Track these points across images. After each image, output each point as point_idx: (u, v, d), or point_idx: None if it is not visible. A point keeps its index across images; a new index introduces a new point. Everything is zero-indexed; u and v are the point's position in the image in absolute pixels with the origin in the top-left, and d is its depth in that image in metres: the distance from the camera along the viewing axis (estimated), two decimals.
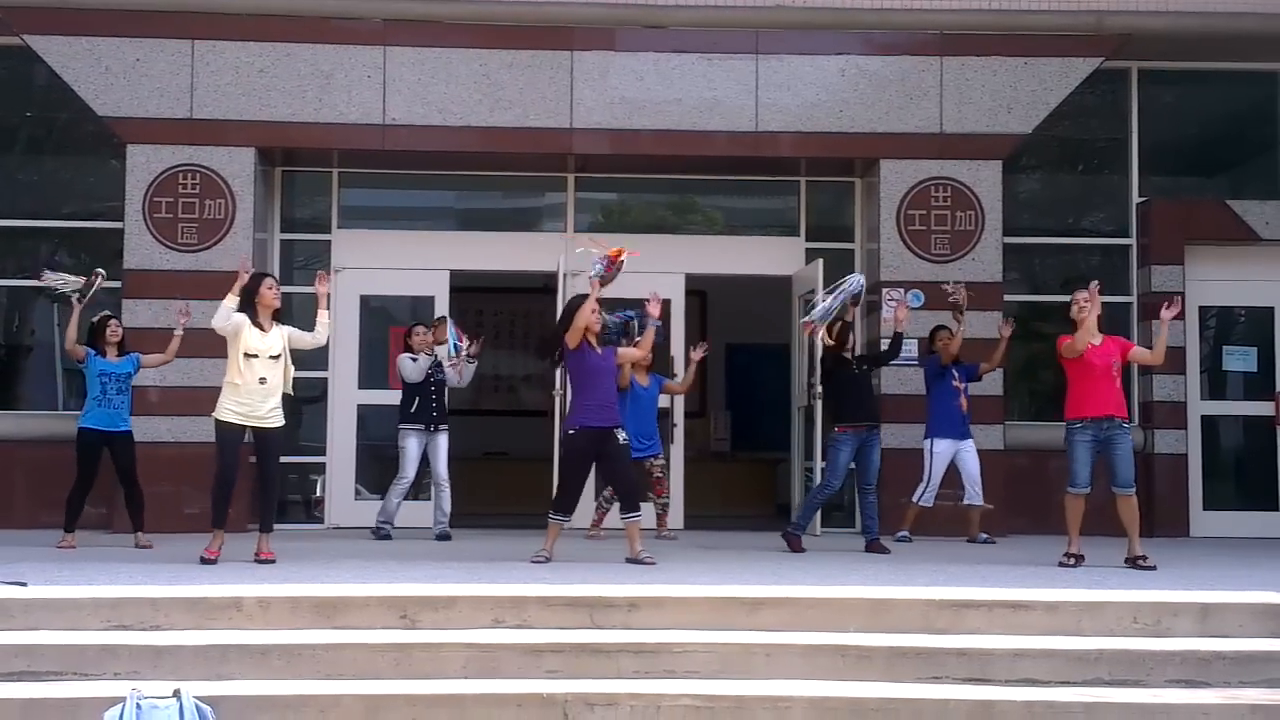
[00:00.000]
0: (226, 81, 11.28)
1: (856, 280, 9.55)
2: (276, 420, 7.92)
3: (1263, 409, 12.09)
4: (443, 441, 10.11)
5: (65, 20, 11.19)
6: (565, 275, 11.63)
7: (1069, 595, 6.08)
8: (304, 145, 11.51)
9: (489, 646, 5.52)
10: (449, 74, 11.35)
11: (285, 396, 8.18)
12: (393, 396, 10.93)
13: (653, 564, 7.72)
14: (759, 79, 11.45)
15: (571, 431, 8.09)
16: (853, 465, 9.44)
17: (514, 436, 14.53)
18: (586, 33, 11.42)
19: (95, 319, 9.75)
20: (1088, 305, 8.01)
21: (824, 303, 9.31)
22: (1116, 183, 12.31)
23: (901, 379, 11.15)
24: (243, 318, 7.91)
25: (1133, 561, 7.84)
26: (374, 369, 11.69)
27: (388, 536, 10.00)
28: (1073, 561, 7.77)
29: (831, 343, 9.50)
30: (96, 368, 9.24)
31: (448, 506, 10.13)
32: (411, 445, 10.11)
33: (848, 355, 9.51)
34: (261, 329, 7.92)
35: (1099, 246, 12.42)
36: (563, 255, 11.12)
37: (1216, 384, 12.36)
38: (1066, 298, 12.20)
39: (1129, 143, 12.23)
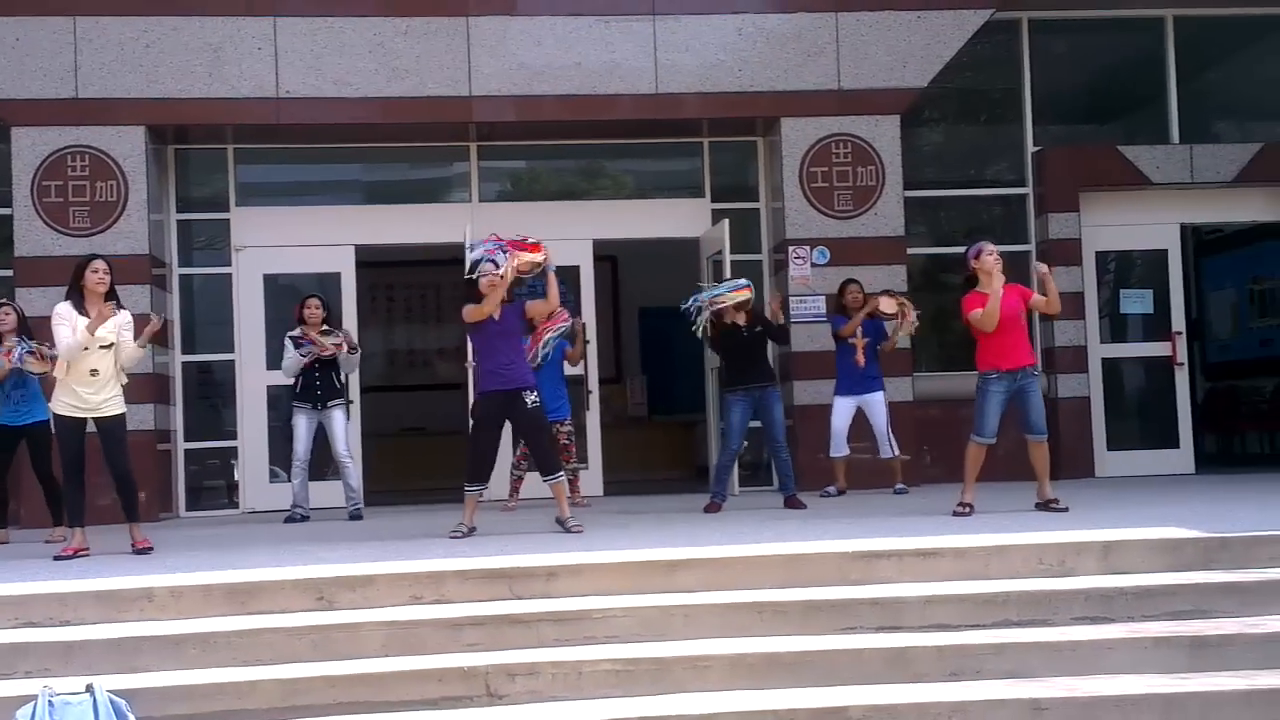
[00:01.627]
0: (112, 59, 11.00)
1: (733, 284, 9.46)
2: (114, 408, 7.63)
3: (1160, 350, 12.41)
4: (338, 417, 9.93)
5: None
6: (471, 246, 11.57)
7: (976, 540, 6.21)
8: (196, 122, 11.26)
9: (408, 623, 5.50)
10: (342, 43, 11.17)
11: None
12: None
13: (580, 531, 7.71)
14: (657, 40, 11.42)
15: (477, 399, 8.03)
16: (758, 424, 9.50)
17: (430, 411, 14.46)
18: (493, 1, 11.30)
19: None
20: (996, 264, 8.07)
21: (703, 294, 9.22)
22: (1012, 133, 12.50)
23: (811, 335, 11.26)
24: (69, 313, 7.53)
25: (1045, 505, 8.00)
26: (281, 349, 11.49)
27: (302, 519, 9.88)
28: (966, 510, 7.89)
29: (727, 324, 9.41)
30: None
31: (356, 483, 10.03)
32: (301, 424, 9.96)
33: (735, 323, 9.39)
34: (87, 316, 7.50)
35: (998, 197, 12.61)
36: (468, 225, 11.04)
37: (1116, 327, 12.63)
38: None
39: (1022, 93, 12.42)
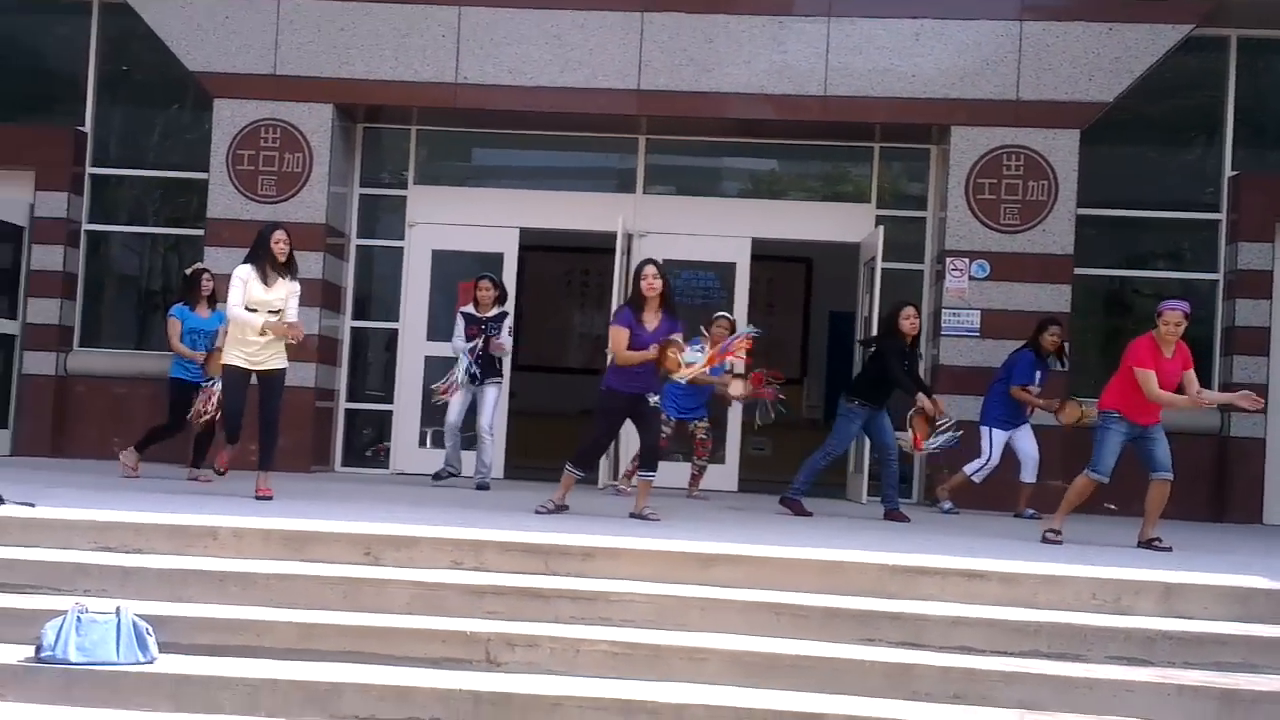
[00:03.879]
0: (308, 39, 11.67)
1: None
2: (278, 363, 8.19)
3: None
4: (490, 395, 10.23)
5: None
6: (630, 236, 11.78)
7: (1028, 567, 5.96)
8: (379, 102, 11.86)
9: (435, 585, 5.70)
10: (520, 34, 11.52)
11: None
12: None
13: (657, 520, 7.80)
14: (830, 42, 11.33)
15: (604, 390, 8.21)
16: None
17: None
18: None
19: (189, 271, 10.25)
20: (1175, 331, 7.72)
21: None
22: (1210, 155, 11.83)
23: (959, 350, 10.98)
24: (249, 275, 8.14)
25: (1147, 544, 7.63)
26: (442, 322, 11.93)
27: (450, 475, 10.25)
28: (1057, 538, 7.59)
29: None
30: (189, 324, 9.69)
31: (489, 458, 10.33)
32: (456, 396, 10.33)
33: (911, 342, 9.38)
34: (265, 283, 8.11)
35: (1187, 221, 11.94)
36: (627, 215, 11.24)
37: None
38: (1149, 273, 12.01)
39: (1225, 114, 11.73)
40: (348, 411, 12.25)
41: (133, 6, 11.82)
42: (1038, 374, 10.13)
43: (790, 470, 12.29)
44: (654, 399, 8.09)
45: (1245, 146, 11.74)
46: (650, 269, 8.12)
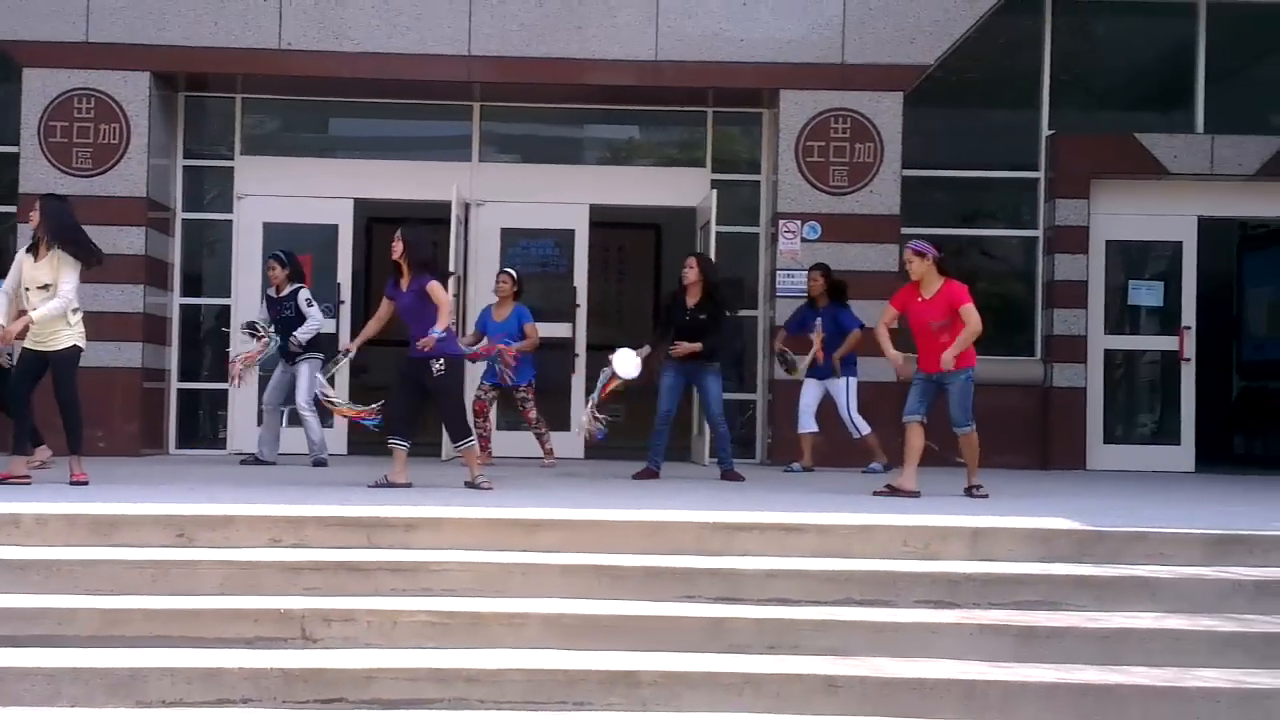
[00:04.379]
0: (122, 4, 11.25)
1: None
2: (63, 342, 7.88)
3: (1168, 344, 12.04)
4: (304, 370, 10.07)
5: None
6: (467, 205, 11.67)
7: (841, 519, 6.11)
8: (199, 70, 11.50)
9: (249, 564, 5.60)
10: None
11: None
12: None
13: (489, 489, 7.79)
14: (660, 5, 11.32)
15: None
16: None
17: None
18: None
19: None
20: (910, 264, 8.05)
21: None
22: (1028, 116, 12.14)
23: (793, 310, 11.14)
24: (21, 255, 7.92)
25: (969, 490, 7.92)
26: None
27: (256, 461, 10.10)
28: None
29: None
30: None
31: (317, 435, 10.17)
32: (275, 373, 10.20)
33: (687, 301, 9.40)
34: (35, 258, 7.81)
35: (1008, 180, 12.32)
36: (463, 184, 11.16)
37: (1125, 319, 12.27)
38: (972, 231, 12.36)
39: (1041, 75, 12.07)
40: (180, 392, 11.91)
41: None
42: (811, 321, 10.35)
43: (642, 435, 12.46)
44: (438, 365, 7.99)
45: (1062, 106, 12.10)
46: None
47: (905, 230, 11.54)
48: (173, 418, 11.85)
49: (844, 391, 10.26)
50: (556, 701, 4.81)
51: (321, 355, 10.22)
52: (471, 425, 8.83)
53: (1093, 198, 11.79)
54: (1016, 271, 12.38)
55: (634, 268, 15.21)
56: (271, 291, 10.20)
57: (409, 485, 7.90)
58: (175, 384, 11.88)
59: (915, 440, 7.94)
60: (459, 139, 12.22)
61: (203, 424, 12.32)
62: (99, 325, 10.95)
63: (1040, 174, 12.02)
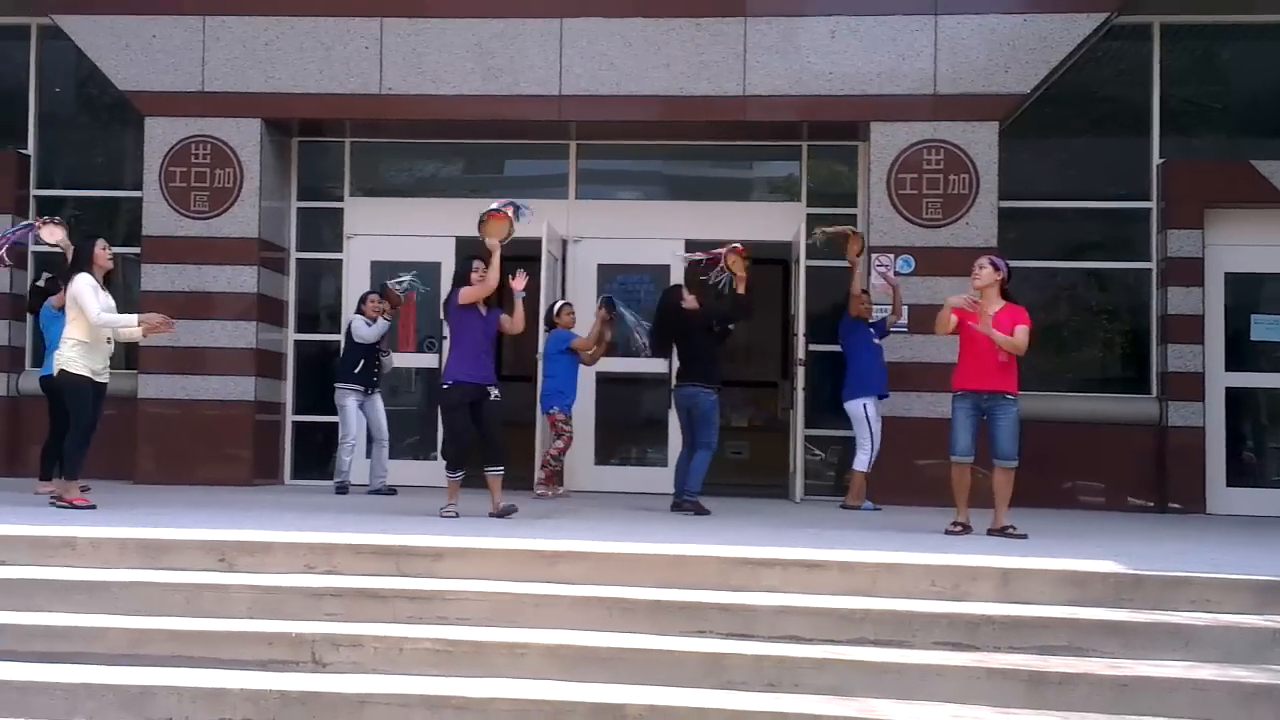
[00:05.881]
0: (235, 55, 11.80)
1: None
2: (106, 376, 8.38)
3: None
4: (379, 402, 10.53)
5: None
6: (564, 241, 11.86)
7: (866, 556, 5.99)
8: (306, 116, 11.96)
9: (275, 589, 5.78)
10: (441, 44, 11.62)
11: None
12: (404, 358, 11.63)
13: (515, 510, 8.06)
14: (747, 42, 11.36)
15: (445, 385, 8.34)
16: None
17: None
18: (574, 0, 11.51)
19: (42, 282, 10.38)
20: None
21: None
22: (1137, 144, 11.77)
23: (888, 346, 10.92)
24: (98, 287, 8.32)
25: (1000, 531, 7.67)
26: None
27: (344, 490, 10.42)
28: (959, 529, 7.63)
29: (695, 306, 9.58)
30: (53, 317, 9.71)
31: (387, 463, 10.51)
32: (351, 404, 10.55)
33: (698, 317, 9.52)
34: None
35: (1116, 211, 11.92)
36: (560, 220, 11.45)
37: (1247, 355, 11.73)
38: (1080, 264, 12.01)
39: (1150, 101, 11.72)
40: (296, 424, 12.32)
41: (63, 29, 11.98)
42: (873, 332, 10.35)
43: (770, 472, 12.42)
44: (495, 392, 8.24)
45: (1173, 133, 11.73)
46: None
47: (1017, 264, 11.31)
48: (288, 449, 12.26)
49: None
50: None
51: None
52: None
53: (1207, 228, 11.36)
54: (1129, 306, 11.96)
55: (762, 302, 15.16)
56: (366, 322, 10.54)
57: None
58: (290, 416, 12.29)
59: (968, 479, 7.78)
60: (556, 177, 12.43)
61: (318, 455, 12.69)
62: (212, 360, 11.58)
63: (1152, 204, 11.62)
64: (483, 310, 8.34)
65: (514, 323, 8.50)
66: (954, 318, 8.01)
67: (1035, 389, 11.67)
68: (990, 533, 7.63)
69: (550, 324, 10.80)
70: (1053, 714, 4.85)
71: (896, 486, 10.54)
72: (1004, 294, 8.00)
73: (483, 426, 8.22)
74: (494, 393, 8.17)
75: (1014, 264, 11.31)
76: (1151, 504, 11.22)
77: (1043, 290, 12.07)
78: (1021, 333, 7.76)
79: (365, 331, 10.60)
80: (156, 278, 11.77)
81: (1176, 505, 11.12)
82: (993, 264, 7.99)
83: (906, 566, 5.88)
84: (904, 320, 10.98)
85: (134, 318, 8.29)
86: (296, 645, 5.33)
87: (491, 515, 8.04)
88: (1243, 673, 5.07)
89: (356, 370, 10.63)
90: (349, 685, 5.05)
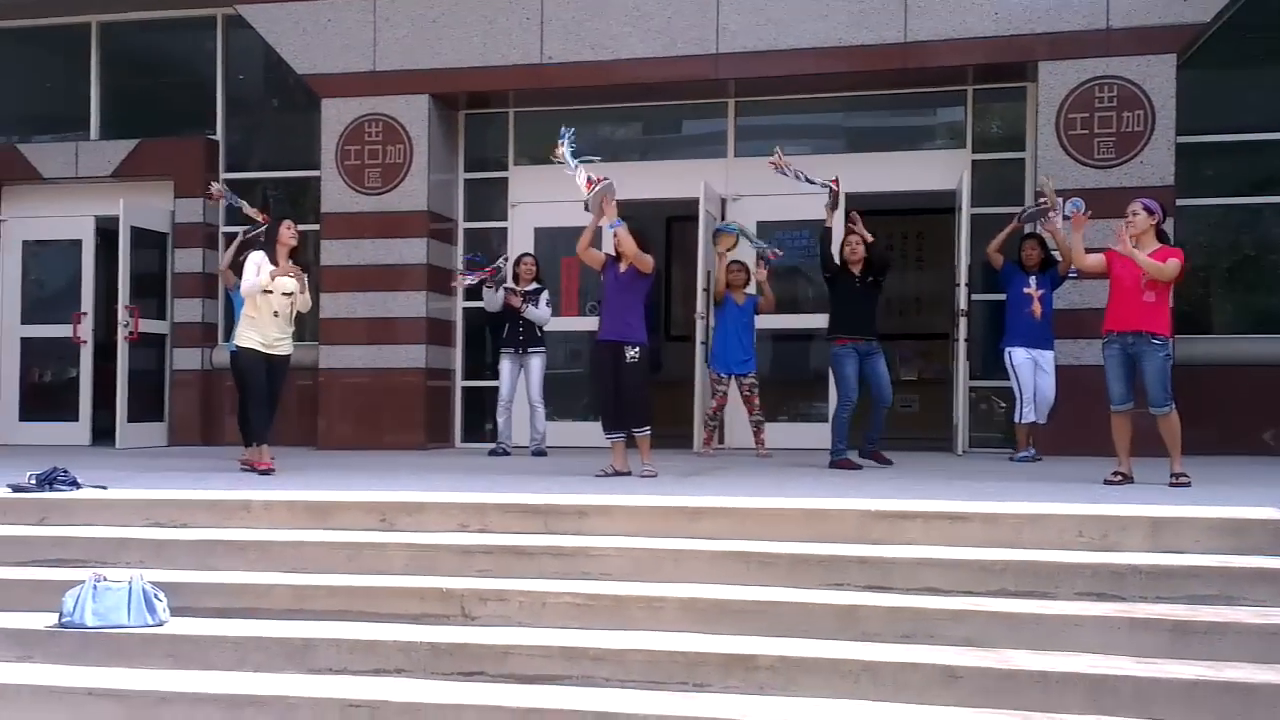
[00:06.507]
0: (404, 34, 12.19)
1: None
2: (284, 349, 8.69)
3: None
4: (535, 364, 10.78)
5: None
6: (723, 200, 11.89)
7: (1011, 508, 5.88)
8: (470, 89, 12.28)
9: (429, 547, 6.05)
10: (599, 9, 11.75)
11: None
12: (570, 322, 11.90)
13: (653, 476, 8.08)
14: None
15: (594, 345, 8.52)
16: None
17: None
18: None
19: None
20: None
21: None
22: None
23: (1059, 293, 10.61)
24: (263, 262, 8.67)
25: (1175, 479, 7.42)
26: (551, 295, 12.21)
27: (504, 453, 10.73)
28: (1119, 479, 7.42)
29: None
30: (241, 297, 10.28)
31: (541, 426, 10.80)
32: (505, 367, 10.87)
33: (853, 269, 9.38)
34: (276, 267, 8.65)
35: None
36: (719, 179, 11.63)
37: None
38: (1262, 199, 11.41)
39: None
40: (465, 390, 12.73)
41: (245, 19, 12.57)
42: (1031, 283, 9.93)
43: (934, 427, 12.29)
44: (632, 351, 8.24)
45: None
46: None
47: (1182, 202, 10.87)
48: (458, 414, 12.69)
49: (1052, 368, 9.81)
50: (677, 682, 4.95)
51: (546, 350, 11.03)
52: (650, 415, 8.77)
53: None
54: None
55: (934, 256, 14.89)
56: (513, 285, 10.84)
57: (628, 474, 8.22)
58: (460, 383, 12.71)
59: (1127, 428, 7.56)
60: (714, 135, 12.46)
61: (486, 419, 13.09)
62: (387, 330, 12.07)
63: None
64: (621, 268, 8.40)
65: (636, 258, 8.36)
66: (1101, 256, 7.78)
67: (1217, 332, 11.27)
68: (1172, 481, 7.40)
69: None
70: (1197, 663, 4.71)
71: (1074, 437, 10.26)
72: (1160, 235, 7.71)
73: (619, 386, 8.28)
74: (630, 353, 8.22)
75: (1193, 202, 11.01)
76: None
77: (1222, 228, 11.54)
78: (1172, 263, 7.48)
79: (487, 300, 10.98)
80: (335, 252, 12.30)
81: None
82: (1145, 207, 7.70)
83: (1053, 517, 5.76)
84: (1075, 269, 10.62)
85: (266, 275, 8.58)
86: (447, 600, 5.57)
87: (636, 475, 8.17)
88: None
89: (504, 334, 10.94)
90: (493, 637, 5.26)
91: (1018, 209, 11.42)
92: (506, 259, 11.37)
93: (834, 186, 9.64)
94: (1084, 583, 5.29)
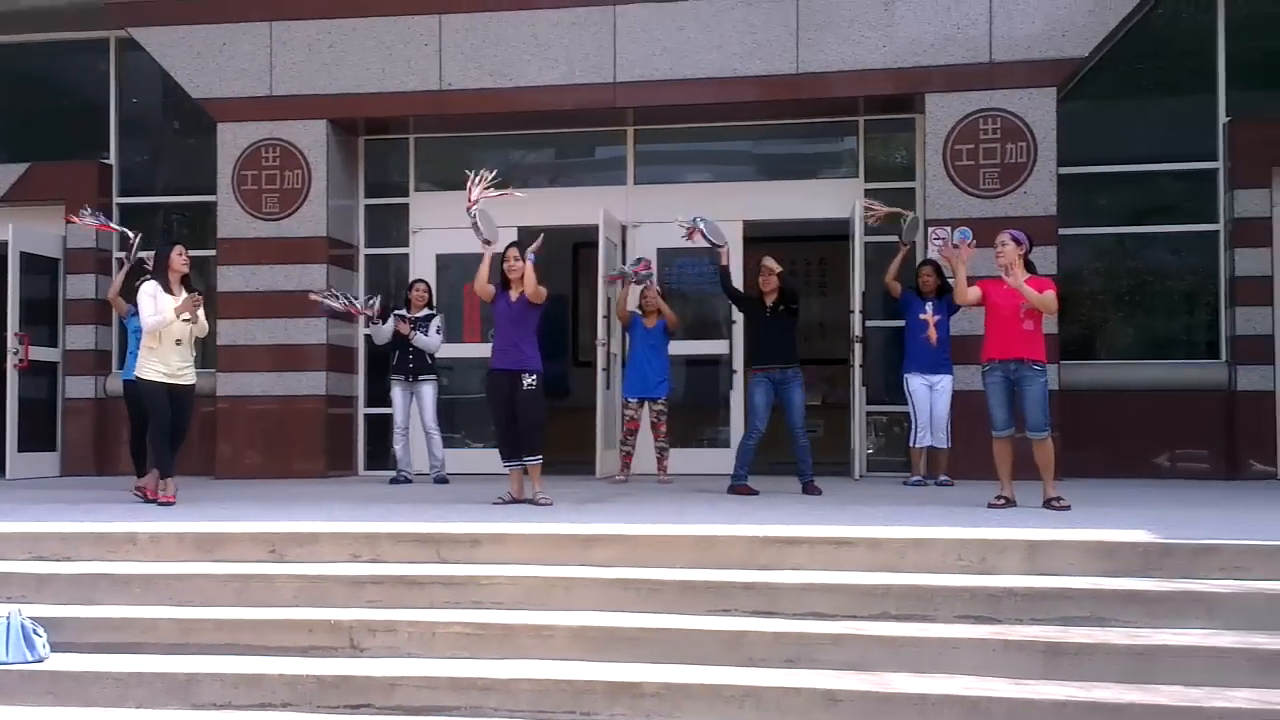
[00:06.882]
0: (300, 59, 12.13)
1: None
2: (188, 378, 8.60)
3: None
4: (427, 392, 10.79)
5: (161, 10, 12.27)
6: (624, 227, 12.00)
7: (894, 533, 6.03)
8: (369, 115, 12.24)
9: (319, 578, 6.03)
10: (499, 37, 11.81)
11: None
12: (475, 348, 11.90)
13: (549, 504, 8.09)
14: (799, 19, 11.36)
15: (488, 373, 8.55)
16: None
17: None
18: None
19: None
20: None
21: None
22: (1200, 103, 11.55)
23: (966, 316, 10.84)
24: (158, 292, 8.52)
25: (1048, 503, 7.64)
26: (451, 323, 12.22)
27: (405, 480, 10.71)
28: (1002, 503, 7.63)
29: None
30: (134, 324, 10.12)
31: (439, 453, 10.81)
32: (397, 395, 10.92)
33: (766, 299, 9.54)
34: (171, 294, 8.52)
35: (1181, 173, 11.69)
36: (619, 206, 11.76)
37: None
38: (1144, 228, 11.80)
39: (1215, 60, 11.49)
40: (368, 417, 12.64)
41: (138, 40, 12.41)
42: (927, 307, 10.20)
43: (837, 452, 12.45)
44: (530, 379, 8.28)
45: (1240, 91, 11.47)
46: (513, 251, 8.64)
47: (1065, 232, 11.21)
48: (361, 441, 12.60)
49: (945, 392, 10.06)
50: (564, 711, 5.00)
51: (438, 378, 11.09)
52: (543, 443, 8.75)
53: (1275, 187, 11.11)
54: (1195, 269, 11.74)
55: (836, 282, 15.09)
56: (404, 312, 10.89)
57: (526, 501, 8.25)
58: (363, 409, 12.62)
59: (1009, 453, 7.79)
60: (615, 162, 12.57)
61: (389, 446, 13.01)
62: (287, 357, 11.96)
63: (1219, 164, 11.41)
64: (512, 296, 8.44)
65: (533, 292, 8.38)
66: (977, 288, 8.02)
67: (1103, 358, 11.63)
68: (1044, 506, 7.61)
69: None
70: (1068, 684, 4.87)
71: (975, 460, 10.46)
72: (1027, 265, 7.97)
73: (517, 415, 8.32)
74: (527, 380, 8.26)
75: (1077, 231, 11.36)
76: (1222, 471, 11.04)
77: (1107, 257, 11.91)
78: (1049, 294, 7.75)
79: (375, 333, 11.09)
80: (232, 279, 12.18)
81: (1246, 472, 10.93)
82: (1014, 238, 7.96)
83: (934, 541, 5.92)
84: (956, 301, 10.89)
85: (170, 310, 8.46)
86: (335, 631, 5.56)
87: (526, 502, 8.21)
88: (1263, 639, 5.04)
89: (394, 361, 10.94)
90: (382, 669, 5.26)
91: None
92: (373, 300, 11.26)
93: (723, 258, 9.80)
94: (963, 605, 5.44)
